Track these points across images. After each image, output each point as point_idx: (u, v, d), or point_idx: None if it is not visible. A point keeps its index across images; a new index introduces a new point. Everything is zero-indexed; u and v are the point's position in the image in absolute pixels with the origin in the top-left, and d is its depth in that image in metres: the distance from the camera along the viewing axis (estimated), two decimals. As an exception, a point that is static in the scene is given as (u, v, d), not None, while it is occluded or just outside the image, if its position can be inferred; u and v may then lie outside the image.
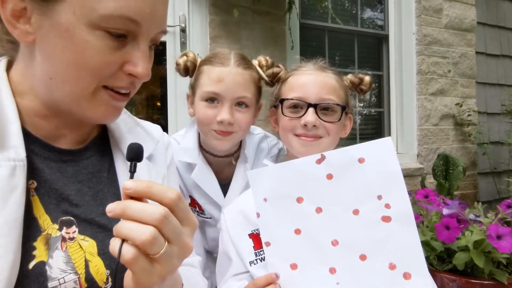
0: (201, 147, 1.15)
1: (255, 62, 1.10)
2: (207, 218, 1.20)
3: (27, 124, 0.62)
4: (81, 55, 0.54)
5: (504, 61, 3.06)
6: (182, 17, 1.99)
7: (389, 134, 2.81)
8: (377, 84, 2.88)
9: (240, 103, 1.03)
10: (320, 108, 0.91)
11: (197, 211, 1.21)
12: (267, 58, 1.11)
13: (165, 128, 0.90)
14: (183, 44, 2.01)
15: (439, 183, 2.33)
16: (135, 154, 0.52)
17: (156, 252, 0.45)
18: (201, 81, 1.04)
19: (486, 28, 2.98)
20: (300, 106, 0.93)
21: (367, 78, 1.05)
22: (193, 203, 1.20)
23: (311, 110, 0.90)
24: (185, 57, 1.08)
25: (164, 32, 0.63)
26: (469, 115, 2.74)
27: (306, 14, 2.50)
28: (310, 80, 0.94)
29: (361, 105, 2.87)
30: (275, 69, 1.05)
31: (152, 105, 2.51)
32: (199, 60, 1.09)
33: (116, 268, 0.46)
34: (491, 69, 2.99)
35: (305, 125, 0.90)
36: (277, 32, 2.21)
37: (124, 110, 0.79)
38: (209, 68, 1.02)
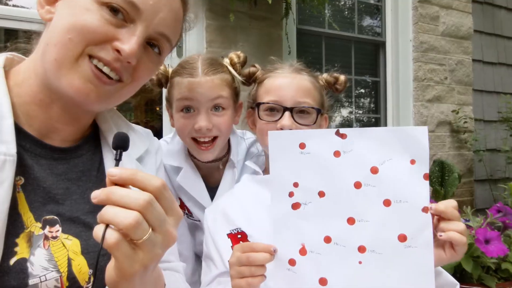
0: (189, 152, 1.16)
1: (226, 61, 1.09)
2: (196, 221, 1.20)
3: (20, 119, 0.63)
4: (77, 18, 0.60)
5: (500, 69, 3.07)
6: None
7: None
8: (374, 91, 2.89)
9: (216, 107, 1.03)
10: (296, 111, 0.93)
11: (186, 214, 1.21)
12: (239, 53, 1.10)
13: (160, 132, 0.92)
14: (179, 48, 2.02)
15: (435, 189, 2.33)
16: (121, 142, 0.52)
17: (140, 237, 0.45)
18: (174, 93, 1.04)
19: (482, 36, 2.99)
20: (276, 109, 0.94)
21: (342, 77, 1.06)
22: (182, 206, 1.19)
23: (287, 114, 0.91)
24: None
25: (165, 36, 0.67)
26: (465, 122, 2.74)
27: (303, 20, 2.52)
28: (286, 83, 0.95)
29: (360, 111, 2.88)
30: (252, 69, 1.05)
31: (151, 110, 2.54)
32: (170, 71, 1.09)
33: (99, 253, 0.46)
34: (488, 76, 3.00)
35: (281, 129, 0.90)
36: (274, 37, 2.22)
37: (119, 114, 0.80)
38: (178, 80, 1.03)
